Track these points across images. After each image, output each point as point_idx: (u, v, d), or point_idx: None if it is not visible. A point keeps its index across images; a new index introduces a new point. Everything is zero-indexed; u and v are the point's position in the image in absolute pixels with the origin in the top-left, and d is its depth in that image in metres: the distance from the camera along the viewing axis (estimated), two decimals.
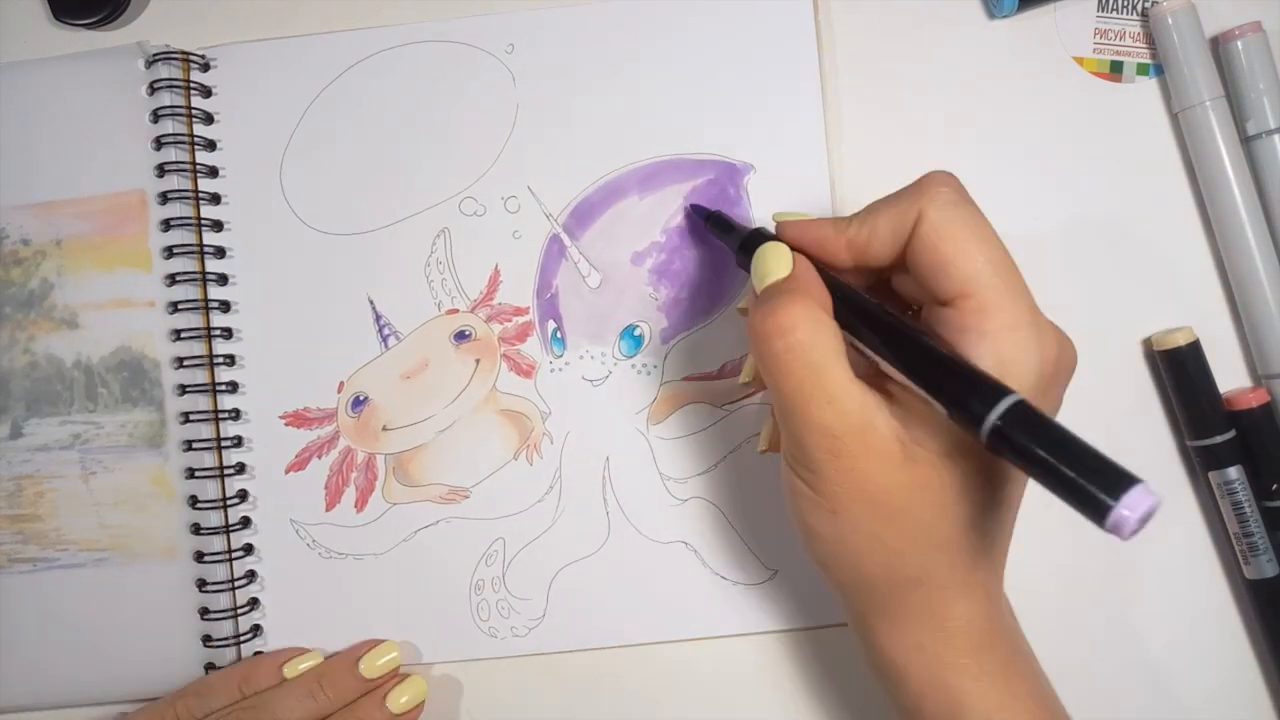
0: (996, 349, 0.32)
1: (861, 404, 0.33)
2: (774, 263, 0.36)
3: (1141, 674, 0.47)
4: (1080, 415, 0.47)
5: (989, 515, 0.34)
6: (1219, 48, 0.46)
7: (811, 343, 0.33)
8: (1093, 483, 0.26)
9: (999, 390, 0.29)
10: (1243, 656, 0.47)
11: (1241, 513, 0.45)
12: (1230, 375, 0.47)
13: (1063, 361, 0.34)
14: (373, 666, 0.46)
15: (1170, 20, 0.46)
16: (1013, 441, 0.28)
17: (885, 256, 0.36)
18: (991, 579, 0.35)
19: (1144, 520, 0.25)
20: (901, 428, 0.33)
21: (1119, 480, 0.26)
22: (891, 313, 0.34)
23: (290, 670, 0.46)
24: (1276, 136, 0.45)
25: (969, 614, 0.35)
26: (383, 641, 0.47)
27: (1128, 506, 0.25)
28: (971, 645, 0.35)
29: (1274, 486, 0.45)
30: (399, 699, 0.46)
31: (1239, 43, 0.45)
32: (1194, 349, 0.46)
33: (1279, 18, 0.46)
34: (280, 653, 0.47)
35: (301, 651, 0.47)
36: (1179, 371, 0.46)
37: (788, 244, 0.37)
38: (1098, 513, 0.26)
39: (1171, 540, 0.47)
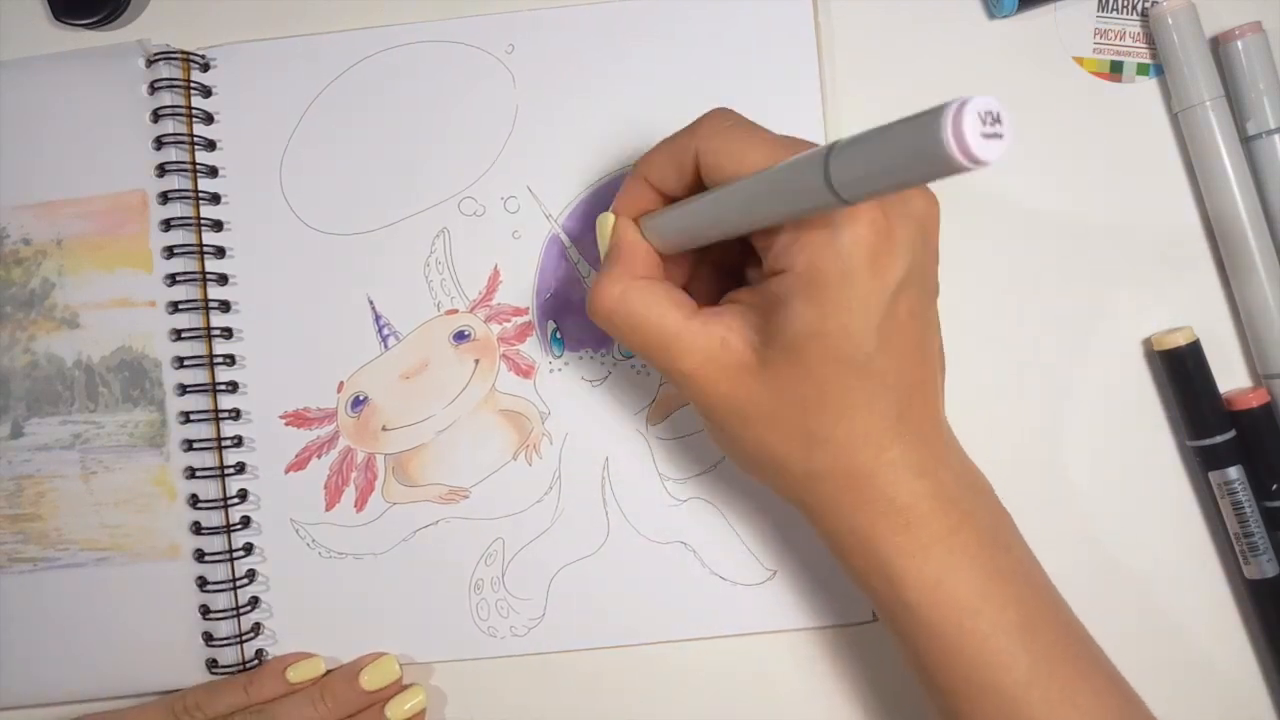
0: (820, 239, 0.33)
1: (704, 333, 0.36)
2: (603, 234, 0.40)
3: (1141, 674, 0.47)
4: (1081, 415, 0.47)
5: (869, 391, 0.34)
6: (1219, 48, 0.46)
7: (630, 309, 0.37)
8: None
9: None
10: (1243, 656, 0.47)
11: (1241, 513, 0.45)
12: (1230, 375, 0.47)
13: (907, 211, 0.34)
14: (373, 679, 0.46)
15: (1170, 20, 0.46)
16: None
17: (682, 191, 0.38)
18: (913, 453, 0.35)
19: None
20: (755, 334, 0.35)
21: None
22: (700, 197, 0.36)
23: (293, 674, 0.47)
24: (1276, 136, 0.45)
25: (890, 495, 0.35)
26: (384, 655, 0.47)
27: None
28: (902, 523, 0.35)
29: (1274, 486, 0.45)
30: (398, 708, 0.46)
31: (1239, 43, 0.45)
32: (1194, 349, 0.46)
33: (1279, 17, 0.46)
34: (284, 658, 0.48)
35: (305, 656, 0.47)
36: (1179, 371, 0.46)
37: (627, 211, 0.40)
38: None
39: (1171, 540, 0.47)
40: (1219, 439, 0.45)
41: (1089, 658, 0.37)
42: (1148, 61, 0.47)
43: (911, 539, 0.35)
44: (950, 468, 0.37)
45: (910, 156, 0.25)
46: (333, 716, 0.46)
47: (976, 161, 0.23)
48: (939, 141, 0.24)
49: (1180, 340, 0.45)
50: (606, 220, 0.40)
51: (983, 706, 0.36)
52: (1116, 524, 0.47)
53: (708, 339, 0.35)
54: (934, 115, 0.24)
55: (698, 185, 0.37)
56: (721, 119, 0.36)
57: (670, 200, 0.39)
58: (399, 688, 0.47)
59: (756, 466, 0.38)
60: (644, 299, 0.37)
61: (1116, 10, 0.48)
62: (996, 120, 0.23)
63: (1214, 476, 0.46)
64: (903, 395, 0.35)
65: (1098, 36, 0.48)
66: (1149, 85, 0.48)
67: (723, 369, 0.35)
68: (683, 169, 0.37)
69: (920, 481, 0.35)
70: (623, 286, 0.37)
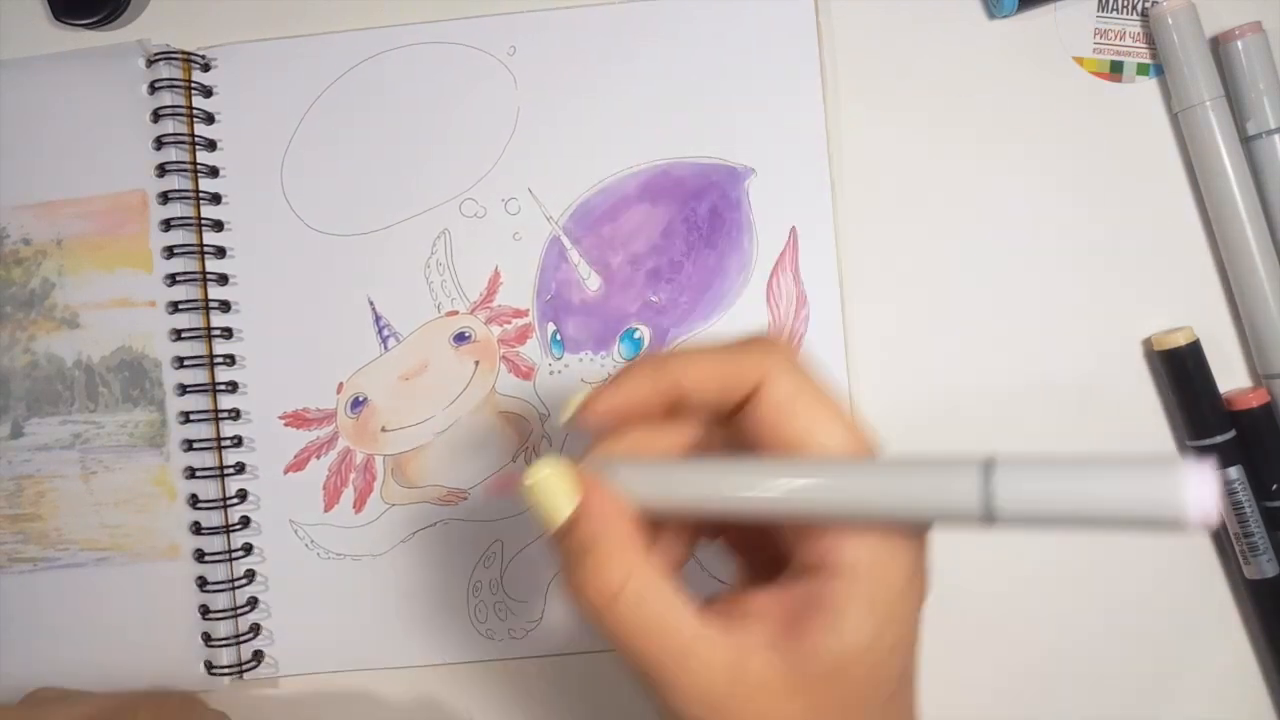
0: (884, 534, 0.28)
1: (723, 644, 0.28)
2: (554, 502, 0.30)
3: (1141, 674, 0.47)
4: (1081, 415, 0.47)
5: (901, 702, 0.30)
6: (1219, 48, 0.46)
7: (639, 604, 0.28)
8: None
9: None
10: (1243, 656, 0.47)
11: (1241, 513, 0.45)
12: (1230, 375, 0.47)
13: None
14: None
15: (1170, 20, 0.46)
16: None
17: (708, 411, 0.31)
18: None
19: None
20: (781, 650, 0.28)
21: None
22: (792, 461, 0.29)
23: None
24: (1276, 136, 0.45)
25: None
26: None
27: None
28: None
29: (1274, 486, 0.45)
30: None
31: (1239, 43, 0.45)
32: (1194, 349, 0.46)
33: (1279, 18, 0.46)
34: None
35: None
36: (1179, 371, 0.46)
37: (600, 422, 0.31)
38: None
39: (1171, 540, 0.47)
40: (1219, 439, 0.45)
41: None
42: (1148, 61, 0.47)
43: None
44: None
45: (1118, 510, 0.23)
46: None
47: (1184, 526, 0.22)
48: (1174, 513, 0.22)
49: (1180, 340, 0.45)
50: (556, 485, 0.30)
51: None
52: None
53: (726, 650, 0.28)
54: (1165, 480, 0.23)
55: (734, 412, 0.30)
56: (789, 366, 0.29)
57: (671, 414, 0.31)
58: None
59: None
60: (654, 587, 0.29)
61: (1116, 10, 0.48)
62: (1210, 491, 0.22)
63: None
64: (905, 710, 0.31)
65: (1098, 36, 0.48)
66: (1149, 85, 0.48)
67: (744, 692, 0.28)
68: (727, 394, 0.30)
69: None
70: (627, 567, 0.29)
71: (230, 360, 0.49)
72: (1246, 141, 0.46)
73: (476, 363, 0.48)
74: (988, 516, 0.25)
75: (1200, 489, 0.22)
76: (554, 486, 0.30)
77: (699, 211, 0.48)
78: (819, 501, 0.27)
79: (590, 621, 0.29)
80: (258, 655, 0.48)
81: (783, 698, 0.28)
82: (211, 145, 0.49)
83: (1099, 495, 0.24)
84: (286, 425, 0.49)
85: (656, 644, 0.28)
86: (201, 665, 0.48)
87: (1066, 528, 0.25)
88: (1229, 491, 0.45)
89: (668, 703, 0.29)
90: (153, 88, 0.48)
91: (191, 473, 0.48)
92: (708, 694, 0.28)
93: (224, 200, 0.49)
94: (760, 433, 0.29)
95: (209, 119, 0.49)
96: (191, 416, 0.48)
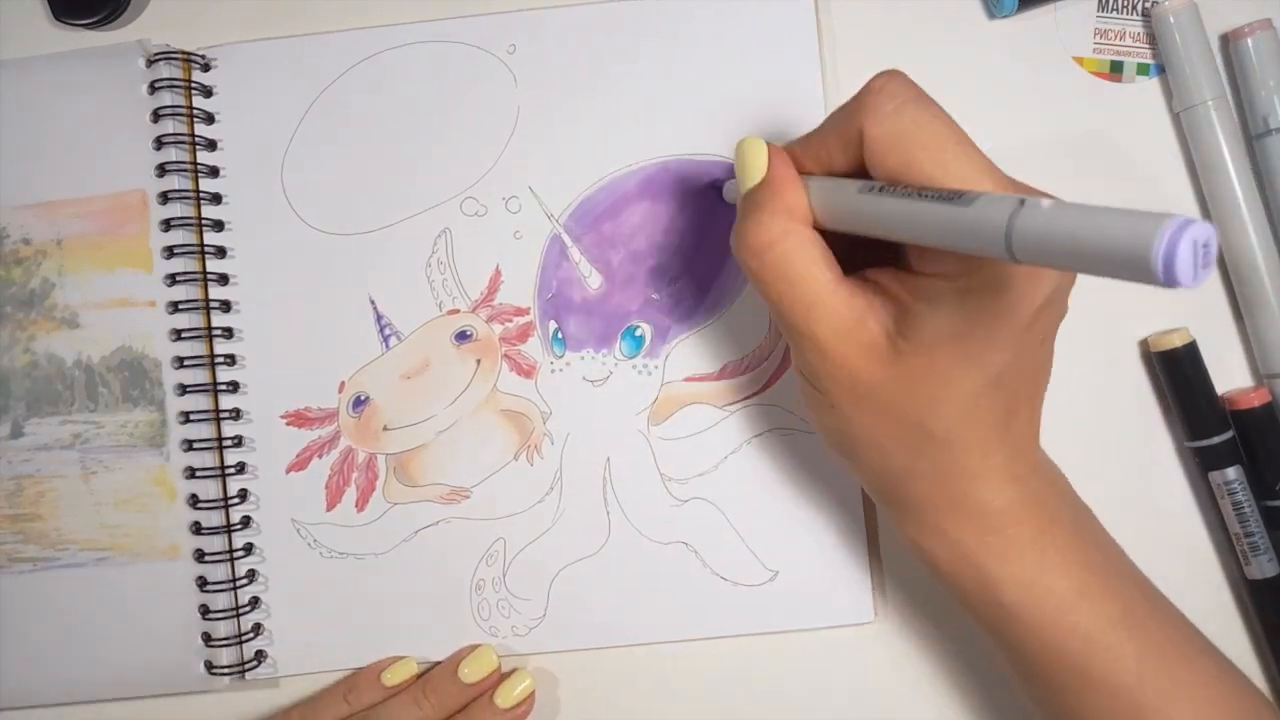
0: None
1: (848, 304, 0.34)
2: (751, 160, 0.36)
3: None
4: (1080, 415, 0.47)
5: (992, 399, 0.34)
6: (1228, 45, 0.46)
7: (787, 257, 0.34)
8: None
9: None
10: (1243, 656, 0.47)
11: (1242, 513, 0.45)
12: (1231, 375, 0.47)
13: None
14: (473, 671, 0.46)
15: (1172, 19, 0.46)
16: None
17: (851, 168, 0.35)
18: (1013, 460, 0.35)
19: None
20: (892, 322, 0.34)
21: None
22: (880, 185, 0.33)
23: (389, 676, 0.47)
24: None
25: (986, 498, 0.35)
26: (480, 645, 0.47)
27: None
28: (993, 525, 0.35)
29: (1276, 486, 0.45)
30: (508, 695, 0.46)
31: (1249, 40, 0.45)
32: (1190, 349, 0.46)
33: (1278, 16, 0.46)
34: (378, 663, 0.48)
35: (396, 659, 0.47)
36: (1176, 373, 0.46)
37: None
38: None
39: (1172, 540, 0.47)
40: (1217, 439, 0.45)
41: (1196, 645, 0.37)
42: (1148, 61, 0.48)
43: (1004, 540, 0.35)
44: (1040, 472, 0.37)
45: (1107, 252, 0.24)
46: (437, 714, 0.46)
47: (1176, 285, 0.22)
48: (1145, 256, 0.23)
49: (1176, 341, 0.45)
50: (757, 147, 0.36)
51: (1095, 701, 0.36)
52: (1116, 525, 0.47)
53: (850, 310, 0.34)
54: (1147, 224, 0.23)
55: (860, 164, 0.35)
56: (889, 98, 0.33)
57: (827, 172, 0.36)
58: (500, 676, 0.47)
59: (852, 448, 0.37)
60: (803, 247, 0.34)
61: (1116, 10, 0.48)
62: (1206, 249, 0.23)
63: (1214, 477, 0.46)
64: (1016, 404, 0.35)
65: (1098, 36, 0.48)
66: (1149, 85, 0.48)
67: (855, 345, 0.34)
68: (848, 148, 0.34)
69: (1014, 486, 0.35)
70: (785, 228, 0.34)
71: (231, 360, 0.48)
72: (1258, 139, 0.46)
73: (478, 361, 0.48)
74: (1009, 253, 0.27)
75: (1176, 242, 0.22)
76: (755, 148, 0.36)
77: (700, 208, 0.48)
78: (889, 223, 0.32)
79: (745, 266, 0.35)
80: (259, 655, 0.48)
81: (885, 358, 0.34)
82: (211, 145, 0.49)
83: (1101, 242, 0.24)
84: (288, 425, 0.48)
85: (797, 289, 0.34)
86: (202, 665, 0.48)
87: (1079, 269, 0.25)
88: (1229, 491, 0.45)
89: (795, 345, 0.36)
90: (153, 88, 0.48)
91: (191, 473, 0.48)
92: (825, 342, 0.34)
93: (224, 200, 0.49)
94: (874, 171, 0.34)
95: (209, 119, 0.49)
96: (192, 416, 0.48)
